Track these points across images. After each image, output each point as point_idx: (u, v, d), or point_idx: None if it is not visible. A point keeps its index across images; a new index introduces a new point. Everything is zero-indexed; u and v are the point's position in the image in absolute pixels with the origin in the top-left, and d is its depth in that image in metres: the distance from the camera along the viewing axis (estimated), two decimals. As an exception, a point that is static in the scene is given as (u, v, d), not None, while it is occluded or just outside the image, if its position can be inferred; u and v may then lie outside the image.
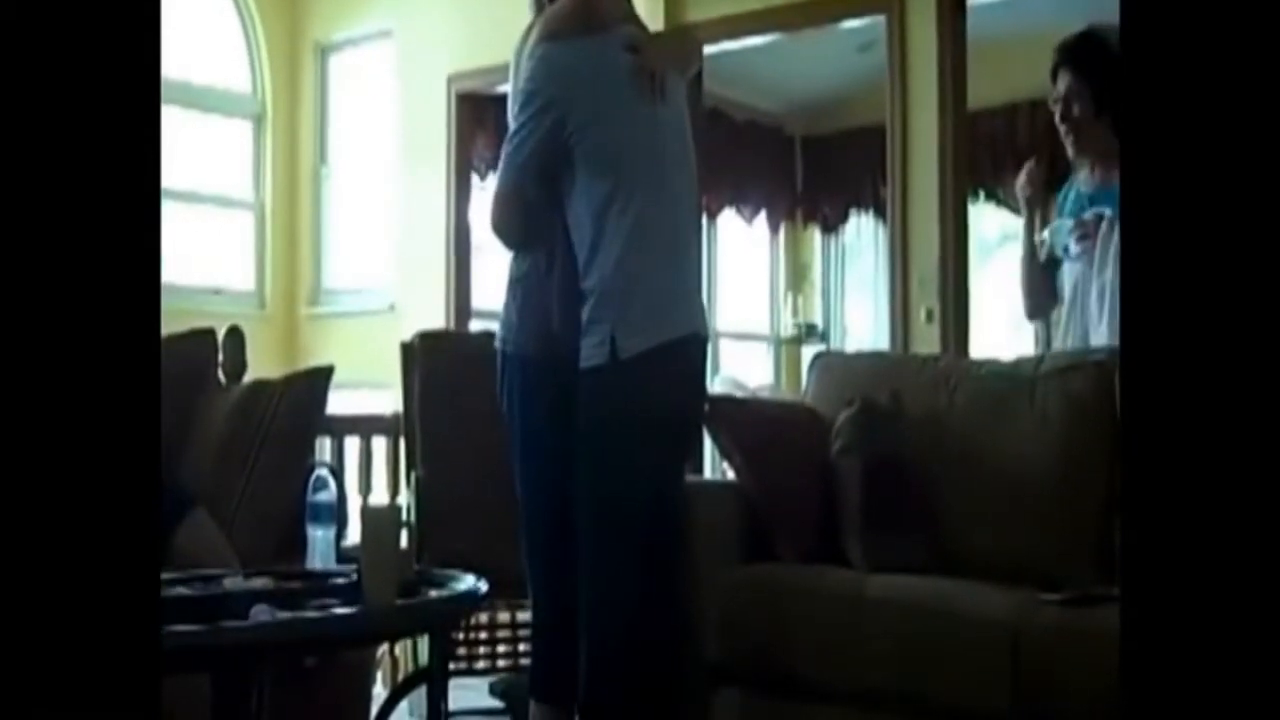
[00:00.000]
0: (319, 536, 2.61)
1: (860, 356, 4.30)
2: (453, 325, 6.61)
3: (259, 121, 7.73)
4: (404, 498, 4.15)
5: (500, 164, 3.07)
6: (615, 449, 2.94)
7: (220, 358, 3.71)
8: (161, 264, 1.58)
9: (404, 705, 3.89)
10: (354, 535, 2.69)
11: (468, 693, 3.97)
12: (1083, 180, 3.67)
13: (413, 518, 3.83)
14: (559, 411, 2.99)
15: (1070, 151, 3.50)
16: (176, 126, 7.08)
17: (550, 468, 3.02)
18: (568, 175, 2.97)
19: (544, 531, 3.06)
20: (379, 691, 3.92)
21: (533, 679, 3.12)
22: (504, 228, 3.09)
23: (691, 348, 3.05)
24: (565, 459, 2.97)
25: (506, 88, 3.18)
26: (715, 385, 5.59)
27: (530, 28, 3.14)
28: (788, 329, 9.03)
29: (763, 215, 8.84)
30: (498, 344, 3.12)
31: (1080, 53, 3.54)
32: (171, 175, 6.84)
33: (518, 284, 3.11)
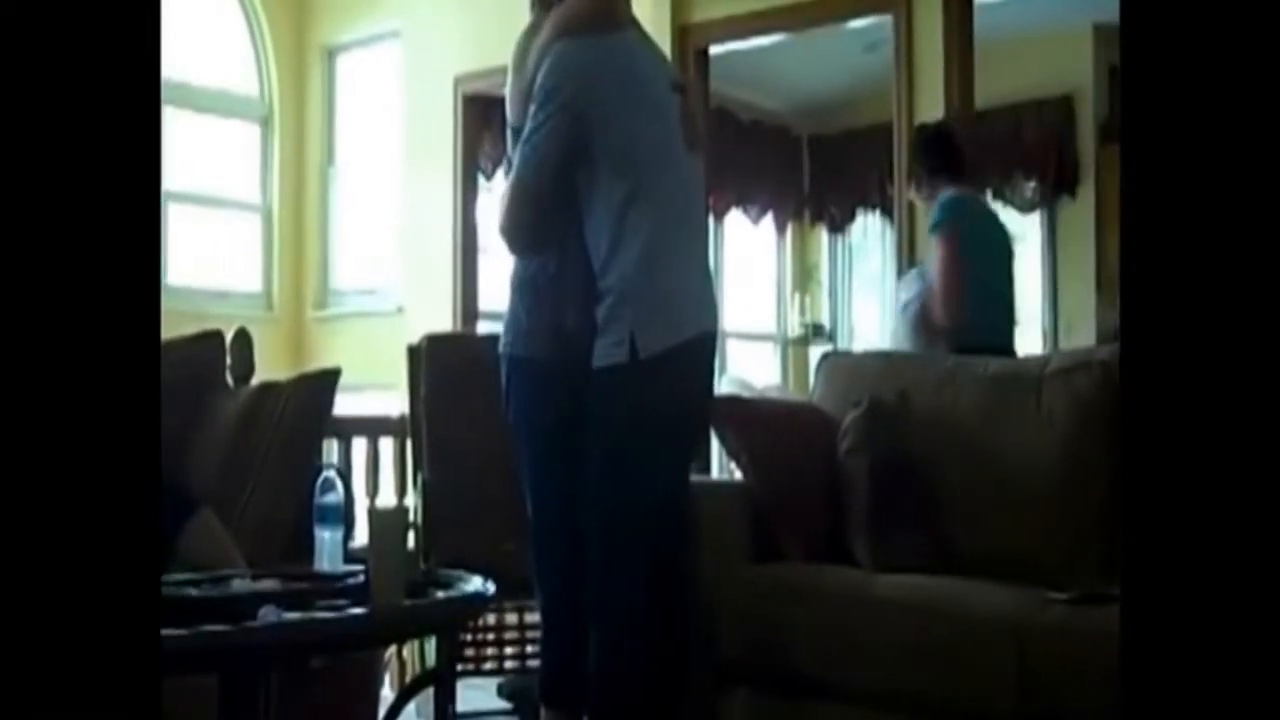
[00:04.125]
0: (326, 538, 2.61)
1: (867, 356, 4.29)
2: (460, 326, 6.62)
3: (266, 124, 7.75)
4: (411, 499, 4.15)
5: (516, 163, 3.00)
6: (631, 448, 2.93)
7: (228, 360, 3.71)
8: (162, 265, 1.59)
9: (411, 707, 3.89)
10: (361, 537, 2.69)
11: (475, 694, 3.97)
12: None
13: (419, 519, 3.83)
14: (569, 413, 2.98)
15: None
16: (184, 129, 7.11)
17: (561, 470, 3.01)
18: (584, 173, 2.95)
19: (554, 535, 3.05)
20: (386, 693, 3.92)
21: (542, 684, 3.12)
22: (517, 228, 3.04)
23: (704, 346, 3.05)
24: (575, 460, 2.97)
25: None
26: (722, 385, 5.58)
27: (532, 26, 3.13)
28: (795, 329, 9.03)
29: (769, 215, 8.83)
30: (502, 349, 3.10)
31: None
32: (179, 178, 6.87)
33: (526, 285, 3.09)
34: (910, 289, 4.70)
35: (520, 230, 3.04)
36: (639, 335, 2.89)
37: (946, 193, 4.59)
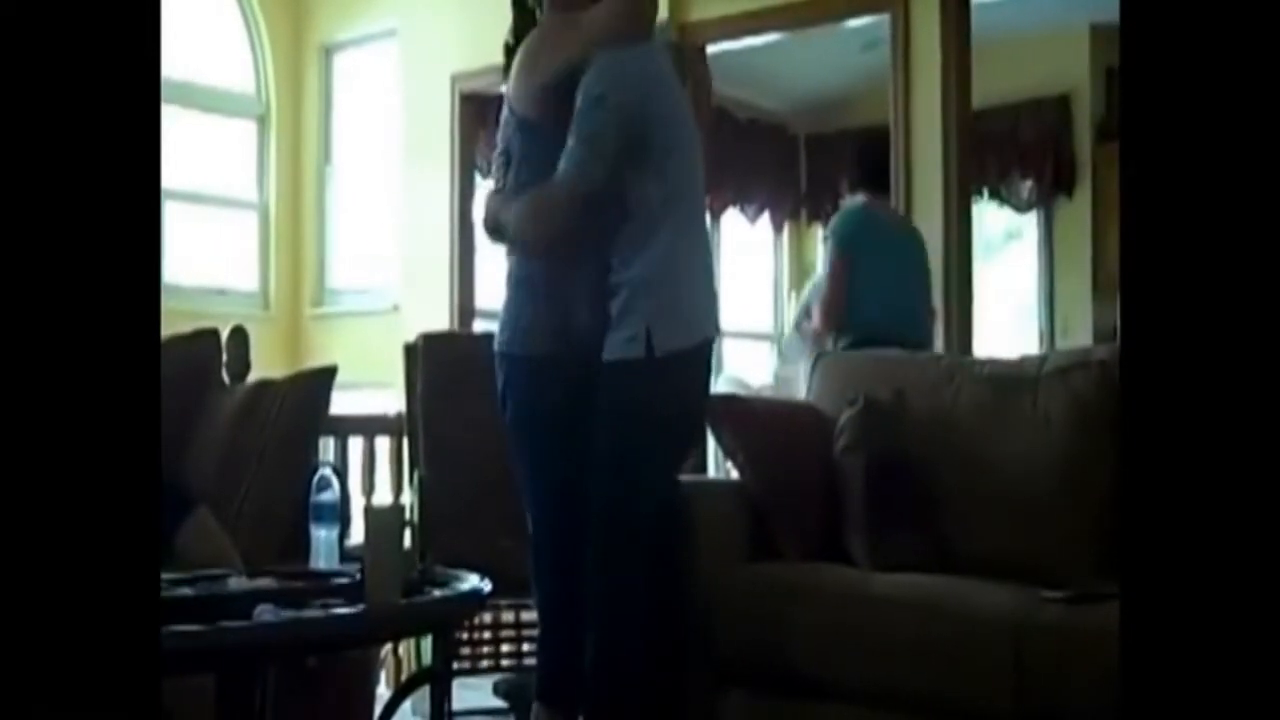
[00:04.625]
0: (322, 536, 2.61)
1: (863, 355, 4.29)
2: (456, 325, 6.61)
3: (263, 122, 7.74)
4: (407, 497, 4.15)
5: (563, 168, 2.94)
6: (636, 442, 2.95)
7: (224, 358, 3.71)
8: (162, 263, 1.58)
9: (407, 705, 3.88)
10: (357, 535, 2.69)
11: (471, 693, 3.97)
12: None
13: (416, 517, 3.83)
14: (566, 411, 2.99)
15: None
16: (181, 127, 7.09)
17: (558, 468, 3.01)
18: (630, 176, 2.96)
19: (551, 533, 3.05)
20: (382, 692, 3.92)
21: (538, 682, 3.12)
22: (557, 231, 3.00)
23: (707, 352, 3.09)
24: (573, 458, 2.97)
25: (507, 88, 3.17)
26: (719, 384, 5.59)
27: (542, 26, 3.14)
28: (791, 328, 9.02)
29: (766, 214, 8.83)
30: (498, 347, 3.10)
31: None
32: (176, 176, 6.85)
33: (523, 283, 3.09)
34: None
35: (559, 232, 3.01)
36: (655, 331, 2.91)
37: (852, 202, 4.92)
